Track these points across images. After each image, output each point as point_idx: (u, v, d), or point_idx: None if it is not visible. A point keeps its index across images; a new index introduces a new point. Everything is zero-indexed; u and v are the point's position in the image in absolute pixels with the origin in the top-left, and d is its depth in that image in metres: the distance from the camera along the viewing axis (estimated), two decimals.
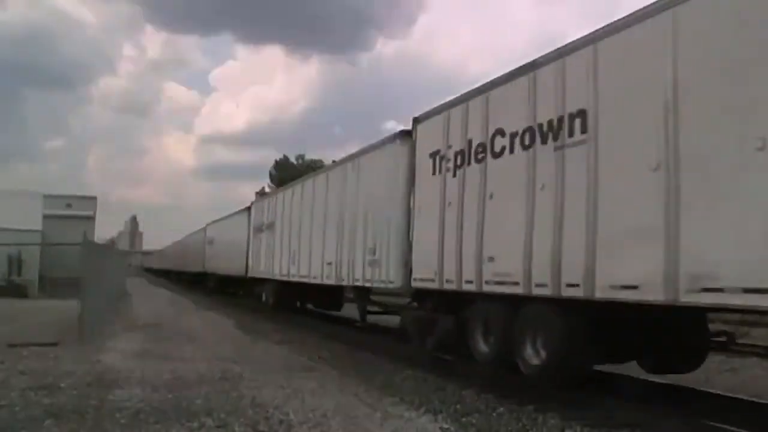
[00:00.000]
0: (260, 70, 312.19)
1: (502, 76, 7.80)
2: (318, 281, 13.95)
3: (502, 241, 7.46)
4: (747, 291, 4.69)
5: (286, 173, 54.99)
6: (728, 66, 4.97)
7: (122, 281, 29.27)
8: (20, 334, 11.13)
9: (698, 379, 7.82)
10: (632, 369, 7.59)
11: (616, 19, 6.17)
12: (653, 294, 5.40)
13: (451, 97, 8.98)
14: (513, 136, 7.36)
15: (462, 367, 8.39)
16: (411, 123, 9.93)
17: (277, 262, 17.33)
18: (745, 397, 7.10)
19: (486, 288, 7.68)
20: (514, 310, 7.37)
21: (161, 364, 8.64)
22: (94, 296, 12.86)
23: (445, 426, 5.74)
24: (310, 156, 64.42)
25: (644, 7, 5.76)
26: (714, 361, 10.57)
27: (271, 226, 18.42)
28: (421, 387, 7.55)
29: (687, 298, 5.14)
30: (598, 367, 7.33)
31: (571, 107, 6.46)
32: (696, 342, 6.96)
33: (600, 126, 6.12)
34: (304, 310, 18.23)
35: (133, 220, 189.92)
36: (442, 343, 9.06)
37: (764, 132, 4.62)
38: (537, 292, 6.80)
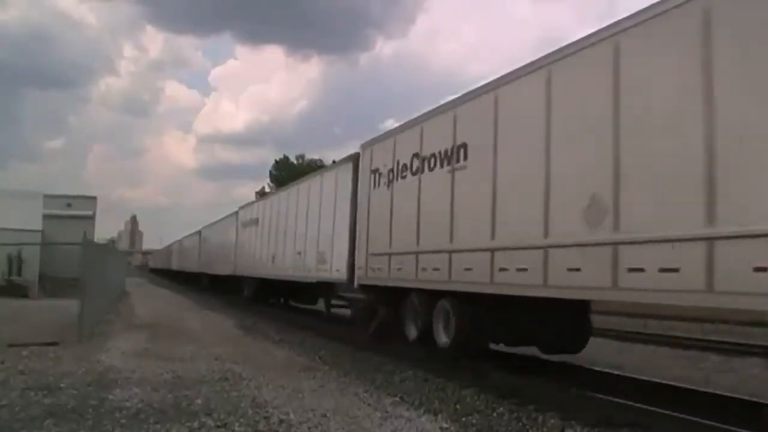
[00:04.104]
0: (260, 70, 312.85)
1: None
2: None
3: None
4: None
5: (286, 173, 55.07)
6: None
7: (122, 281, 29.27)
8: (20, 333, 11.11)
9: (698, 378, 7.82)
10: None
11: None
12: None
13: None
14: None
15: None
16: None
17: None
18: (745, 397, 7.08)
19: None
20: None
21: (161, 364, 8.63)
22: (94, 296, 12.86)
23: (445, 426, 5.73)
24: (310, 156, 64.72)
25: None
26: (714, 361, 10.60)
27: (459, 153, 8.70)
28: (421, 387, 7.55)
29: None
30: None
31: None
32: None
33: None
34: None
35: (133, 220, 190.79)
36: None
37: None
38: None
